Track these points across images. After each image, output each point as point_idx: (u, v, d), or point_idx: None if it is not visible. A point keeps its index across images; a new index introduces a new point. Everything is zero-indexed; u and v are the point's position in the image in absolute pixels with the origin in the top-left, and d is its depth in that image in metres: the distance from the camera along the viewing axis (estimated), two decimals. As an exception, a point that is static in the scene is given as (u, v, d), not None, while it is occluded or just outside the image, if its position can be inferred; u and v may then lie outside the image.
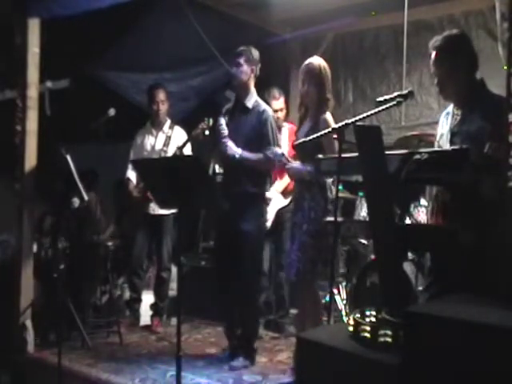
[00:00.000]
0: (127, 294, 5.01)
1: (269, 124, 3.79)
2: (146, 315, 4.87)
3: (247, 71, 3.80)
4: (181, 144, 4.53)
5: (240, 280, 3.78)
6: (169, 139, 4.77)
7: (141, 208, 4.68)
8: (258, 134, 3.77)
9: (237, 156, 3.71)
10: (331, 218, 3.35)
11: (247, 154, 3.73)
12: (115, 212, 5.56)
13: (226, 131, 3.79)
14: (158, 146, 4.77)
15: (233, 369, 3.68)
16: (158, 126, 4.84)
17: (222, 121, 3.83)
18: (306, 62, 3.50)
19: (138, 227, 4.78)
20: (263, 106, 3.86)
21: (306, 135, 3.36)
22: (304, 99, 3.52)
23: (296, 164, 3.50)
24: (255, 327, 3.96)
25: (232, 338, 3.91)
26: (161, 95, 4.79)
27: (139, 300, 4.86)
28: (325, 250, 3.36)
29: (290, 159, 3.55)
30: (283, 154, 3.58)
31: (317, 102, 3.45)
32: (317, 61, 3.49)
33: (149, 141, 4.82)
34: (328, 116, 3.43)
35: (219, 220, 3.98)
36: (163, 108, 4.80)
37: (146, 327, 4.77)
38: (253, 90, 3.86)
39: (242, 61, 3.78)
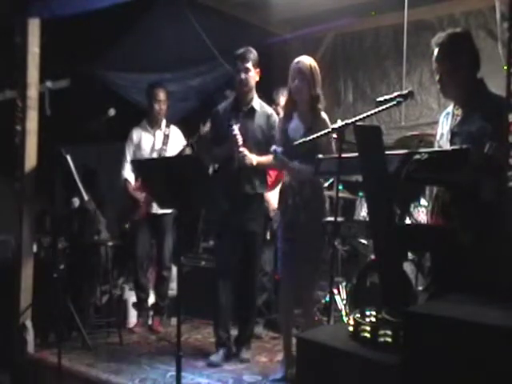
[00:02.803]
0: (133, 297, 4.92)
1: (276, 127, 3.81)
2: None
3: (255, 75, 3.82)
4: (189, 141, 4.54)
5: (247, 280, 3.84)
6: (167, 138, 4.77)
7: (145, 208, 4.66)
8: (267, 137, 3.80)
9: (254, 163, 3.71)
10: (331, 218, 3.34)
11: (261, 159, 3.73)
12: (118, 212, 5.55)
13: (241, 140, 3.68)
14: (158, 145, 4.75)
15: (244, 360, 3.77)
16: (156, 125, 4.82)
17: (236, 129, 3.68)
18: (296, 60, 3.49)
19: (139, 227, 4.75)
20: (268, 108, 3.93)
21: (304, 136, 3.36)
22: (294, 96, 3.50)
23: (296, 162, 3.48)
24: (253, 325, 4.03)
25: (224, 337, 3.91)
26: (162, 94, 4.78)
27: (147, 299, 4.84)
28: (322, 250, 3.38)
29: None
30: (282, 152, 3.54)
31: (308, 100, 3.45)
32: (307, 59, 3.49)
33: (147, 140, 4.80)
34: (325, 116, 3.44)
35: (224, 220, 3.92)
36: (164, 107, 4.80)
37: (148, 327, 4.76)
38: (255, 92, 3.88)
39: (249, 66, 3.77)
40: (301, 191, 3.42)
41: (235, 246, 3.83)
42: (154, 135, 4.80)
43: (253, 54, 3.81)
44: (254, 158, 3.70)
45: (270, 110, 3.92)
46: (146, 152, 4.74)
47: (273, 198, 4.31)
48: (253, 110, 3.85)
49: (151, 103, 4.77)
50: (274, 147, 3.44)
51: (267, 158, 3.70)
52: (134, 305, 4.89)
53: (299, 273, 3.39)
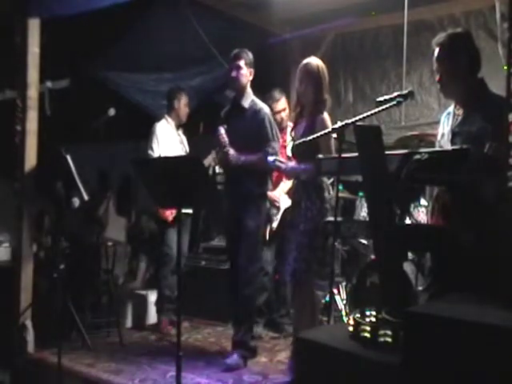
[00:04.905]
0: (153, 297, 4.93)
1: (266, 122, 3.82)
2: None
3: (247, 74, 3.84)
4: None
5: (239, 278, 3.80)
6: (183, 140, 4.89)
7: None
8: (257, 134, 3.80)
9: (239, 163, 3.75)
10: (331, 218, 3.34)
11: (249, 158, 3.75)
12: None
13: (226, 140, 3.81)
14: (184, 147, 4.86)
15: (229, 368, 3.67)
16: (177, 127, 4.89)
17: (222, 130, 3.84)
18: (304, 61, 3.49)
19: (171, 226, 4.68)
20: (259, 104, 3.89)
21: (302, 135, 3.37)
22: (301, 98, 3.52)
23: (291, 163, 3.50)
24: (251, 326, 3.96)
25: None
26: (187, 99, 4.88)
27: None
28: (320, 250, 3.36)
29: (282, 159, 3.55)
30: (276, 154, 3.58)
31: (313, 102, 3.44)
32: (315, 61, 3.49)
33: (176, 139, 4.84)
34: (325, 116, 3.42)
35: (226, 221, 3.99)
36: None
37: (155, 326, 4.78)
38: (249, 90, 3.91)
39: (241, 63, 3.81)
40: (297, 191, 3.48)
41: (235, 245, 3.83)
42: (178, 135, 4.88)
43: (246, 53, 3.85)
44: (239, 157, 3.74)
45: (260, 105, 3.88)
46: (179, 151, 4.77)
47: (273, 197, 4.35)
48: (243, 109, 3.87)
49: (180, 105, 4.84)
50: (269, 157, 3.50)
51: (258, 156, 3.72)
52: (156, 303, 4.85)
53: (294, 271, 3.39)
